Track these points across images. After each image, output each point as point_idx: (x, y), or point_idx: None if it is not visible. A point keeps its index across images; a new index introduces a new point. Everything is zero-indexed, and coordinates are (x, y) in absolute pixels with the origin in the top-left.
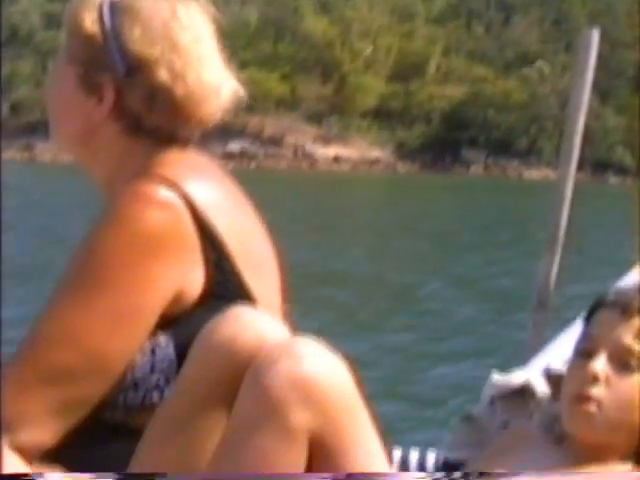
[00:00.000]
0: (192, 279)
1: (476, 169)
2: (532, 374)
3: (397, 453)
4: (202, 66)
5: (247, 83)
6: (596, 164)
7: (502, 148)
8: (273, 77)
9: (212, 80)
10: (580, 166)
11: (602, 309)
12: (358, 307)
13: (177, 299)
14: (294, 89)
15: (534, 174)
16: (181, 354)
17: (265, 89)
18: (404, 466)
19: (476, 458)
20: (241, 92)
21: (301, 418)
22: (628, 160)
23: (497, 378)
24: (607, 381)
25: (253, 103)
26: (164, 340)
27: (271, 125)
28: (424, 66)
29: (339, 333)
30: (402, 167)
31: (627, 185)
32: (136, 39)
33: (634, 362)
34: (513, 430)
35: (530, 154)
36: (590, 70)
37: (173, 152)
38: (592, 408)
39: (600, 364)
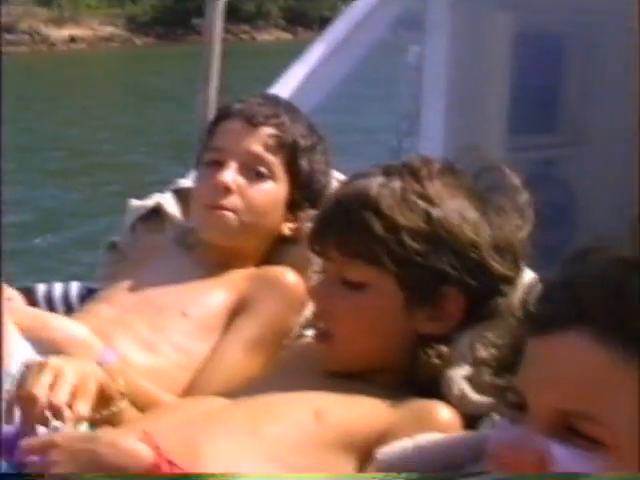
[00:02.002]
0: None
1: None
2: (165, 195)
3: (41, 288)
4: None
5: None
6: (322, 20)
7: (231, 14)
8: None
9: None
10: (309, 25)
11: (227, 120)
12: None
13: None
14: None
15: (265, 37)
16: None
17: None
18: (49, 300)
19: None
20: None
21: None
22: None
23: (134, 203)
24: (239, 191)
25: None
26: None
27: (3, 12)
28: None
29: None
30: (138, 41)
31: None
32: None
33: (264, 170)
34: (146, 244)
35: (258, 18)
36: None
37: None
38: (226, 214)
39: (230, 175)
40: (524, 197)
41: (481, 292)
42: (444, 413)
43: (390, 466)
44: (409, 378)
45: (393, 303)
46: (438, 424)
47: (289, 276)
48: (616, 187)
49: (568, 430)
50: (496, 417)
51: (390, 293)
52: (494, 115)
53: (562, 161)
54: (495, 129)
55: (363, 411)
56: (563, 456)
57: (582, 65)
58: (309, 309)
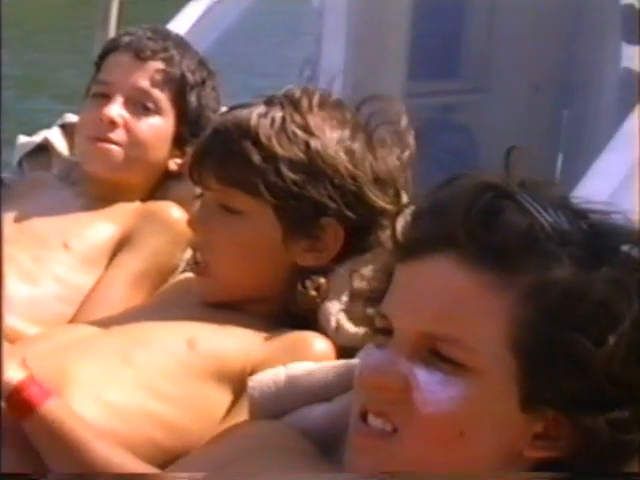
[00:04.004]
0: None
1: None
2: (52, 131)
3: None
4: None
5: None
6: None
7: None
8: None
9: None
10: None
11: (115, 53)
12: None
13: None
14: None
15: None
16: None
17: None
18: None
19: None
20: None
21: None
22: None
23: (22, 139)
24: (125, 125)
25: None
26: None
27: None
28: None
29: None
30: None
31: None
32: None
33: (151, 105)
34: (31, 179)
35: None
36: None
37: None
38: (111, 147)
39: (116, 109)
40: (405, 127)
41: (360, 225)
42: (319, 344)
43: (262, 399)
44: (286, 310)
45: (271, 234)
46: (314, 355)
47: (173, 211)
48: (517, 135)
49: (432, 354)
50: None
51: (268, 224)
52: (393, 60)
53: (463, 107)
54: (394, 75)
55: (238, 341)
56: (426, 380)
57: (486, 9)
58: None
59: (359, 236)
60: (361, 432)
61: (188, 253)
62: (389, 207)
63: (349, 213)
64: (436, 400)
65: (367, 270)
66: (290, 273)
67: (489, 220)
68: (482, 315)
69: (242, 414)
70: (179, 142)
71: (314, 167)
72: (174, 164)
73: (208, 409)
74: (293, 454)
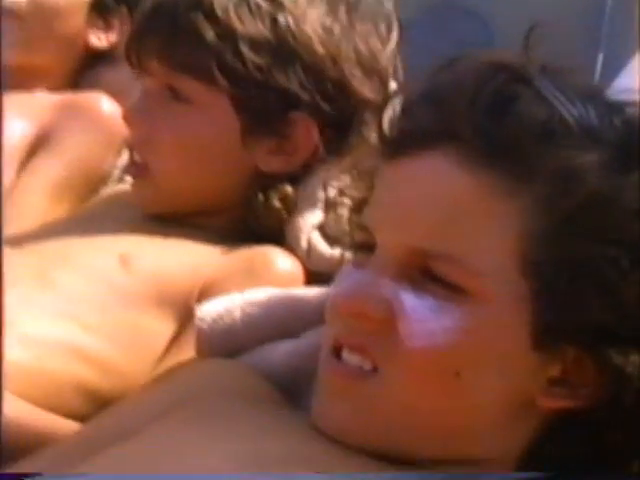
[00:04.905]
0: None
1: None
2: None
3: None
4: None
5: None
6: None
7: None
8: None
9: None
10: None
11: None
12: None
13: None
14: None
15: None
16: None
17: None
18: None
19: None
20: None
21: None
22: None
23: None
24: None
25: None
26: None
27: None
28: None
29: None
30: None
31: None
32: None
33: None
34: None
35: None
36: None
37: None
38: (5, 20)
39: None
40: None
41: (339, 121)
42: (283, 262)
43: (213, 333)
44: (246, 226)
45: (227, 130)
46: (276, 275)
47: (103, 103)
48: (544, 24)
49: (423, 275)
50: None
51: (223, 118)
52: None
53: None
54: None
55: (183, 256)
56: (414, 306)
57: None
58: None
59: (337, 135)
60: (333, 371)
61: (124, 158)
62: (374, 97)
63: (325, 105)
64: (426, 332)
65: (346, 177)
66: (250, 180)
67: (499, 109)
68: (487, 227)
69: (188, 348)
70: (100, 9)
71: (283, 47)
72: (96, 39)
73: (147, 341)
74: (252, 399)
